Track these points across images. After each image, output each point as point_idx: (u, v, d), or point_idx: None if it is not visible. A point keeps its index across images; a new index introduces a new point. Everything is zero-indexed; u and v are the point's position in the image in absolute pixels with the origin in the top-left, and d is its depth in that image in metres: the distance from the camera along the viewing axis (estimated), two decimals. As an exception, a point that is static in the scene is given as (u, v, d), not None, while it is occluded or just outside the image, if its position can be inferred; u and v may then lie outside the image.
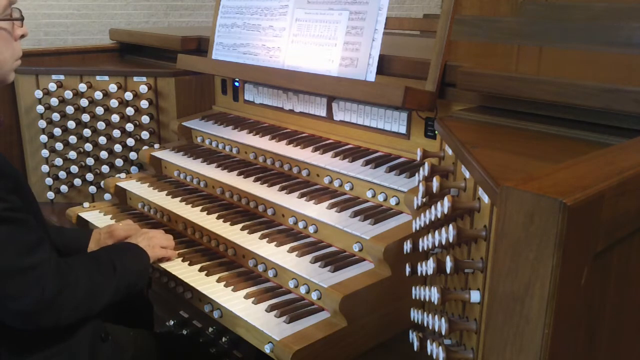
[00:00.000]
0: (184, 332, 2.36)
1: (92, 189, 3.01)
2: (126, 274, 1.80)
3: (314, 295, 1.81)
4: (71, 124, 2.94)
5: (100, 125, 2.90)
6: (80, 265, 1.70)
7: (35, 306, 1.54)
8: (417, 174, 1.71)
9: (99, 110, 2.91)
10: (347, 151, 2.24)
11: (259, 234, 2.07)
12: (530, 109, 1.70)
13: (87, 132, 2.94)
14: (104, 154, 2.96)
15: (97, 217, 2.52)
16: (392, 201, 1.98)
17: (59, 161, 2.99)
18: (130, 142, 2.94)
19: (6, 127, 2.97)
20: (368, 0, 2.14)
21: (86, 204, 2.62)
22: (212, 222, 2.20)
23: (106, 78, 2.92)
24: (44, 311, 1.57)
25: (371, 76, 2.09)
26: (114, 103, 2.89)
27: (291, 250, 1.95)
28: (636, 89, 1.44)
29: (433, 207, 1.41)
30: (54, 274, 1.58)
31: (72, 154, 2.97)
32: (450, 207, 1.30)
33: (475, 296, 1.26)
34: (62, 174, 3.01)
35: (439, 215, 1.37)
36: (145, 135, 2.91)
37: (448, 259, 1.25)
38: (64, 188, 3.01)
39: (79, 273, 1.66)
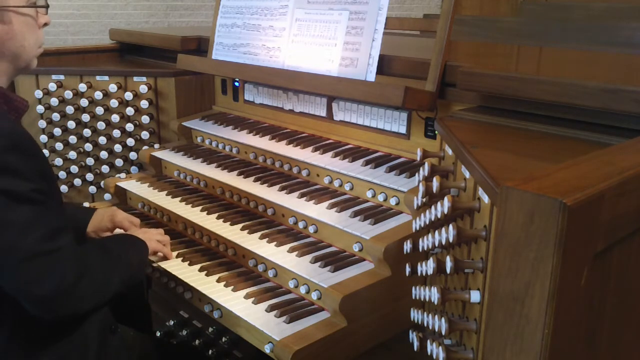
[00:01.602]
0: (184, 332, 2.36)
1: (92, 189, 3.01)
2: (131, 265, 1.82)
3: (314, 295, 1.81)
4: (71, 124, 2.93)
5: (100, 125, 2.90)
6: (93, 253, 1.71)
7: (55, 291, 1.53)
8: (417, 174, 1.71)
9: (99, 110, 2.90)
10: (347, 151, 2.24)
11: (259, 234, 2.07)
12: (530, 109, 1.70)
13: (87, 132, 2.94)
14: (104, 154, 2.95)
15: (97, 217, 2.51)
16: (392, 201, 1.98)
17: (59, 161, 2.99)
18: (130, 142, 2.94)
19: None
20: (368, 0, 2.14)
21: (86, 204, 2.62)
22: (212, 222, 2.20)
23: (106, 78, 2.92)
24: (64, 297, 1.55)
25: (371, 76, 2.09)
26: (114, 103, 2.89)
27: (291, 250, 1.95)
28: (636, 89, 1.44)
29: (433, 207, 1.41)
30: (74, 261, 1.57)
31: (72, 154, 2.97)
32: (450, 207, 1.30)
33: (475, 296, 1.26)
34: (62, 174, 3.00)
35: (439, 215, 1.37)
36: (145, 135, 2.90)
37: (448, 259, 1.26)
38: (64, 188, 3.01)
39: (94, 261, 1.67)
